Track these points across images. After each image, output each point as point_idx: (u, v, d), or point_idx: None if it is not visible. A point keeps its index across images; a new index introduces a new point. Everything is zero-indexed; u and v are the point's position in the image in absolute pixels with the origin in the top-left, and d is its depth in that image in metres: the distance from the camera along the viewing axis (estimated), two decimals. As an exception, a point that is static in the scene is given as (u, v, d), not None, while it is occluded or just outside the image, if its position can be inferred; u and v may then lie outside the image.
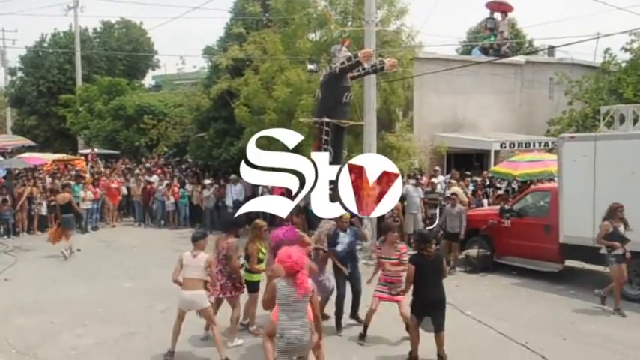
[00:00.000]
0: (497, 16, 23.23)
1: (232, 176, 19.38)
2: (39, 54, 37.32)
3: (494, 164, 19.15)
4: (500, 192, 16.25)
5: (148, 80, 43.28)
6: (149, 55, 40.89)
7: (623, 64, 19.81)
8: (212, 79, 21.01)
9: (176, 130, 25.93)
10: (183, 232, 19.97)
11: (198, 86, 24.49)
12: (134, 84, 35.57)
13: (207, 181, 20.60)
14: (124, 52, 37.74)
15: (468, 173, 18.25)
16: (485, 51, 22.65)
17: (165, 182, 21.75)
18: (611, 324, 9.90)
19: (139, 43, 40.27)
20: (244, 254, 9.17)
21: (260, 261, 9.11)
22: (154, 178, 22.31)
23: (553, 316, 10.26)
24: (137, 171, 23.83)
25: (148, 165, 25.41)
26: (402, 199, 15.58)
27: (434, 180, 16.99)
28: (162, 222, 21.49)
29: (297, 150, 16.28)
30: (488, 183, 17.54)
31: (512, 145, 19.56)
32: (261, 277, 9.20)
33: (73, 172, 23.01)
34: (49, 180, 21.38)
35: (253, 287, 9.24)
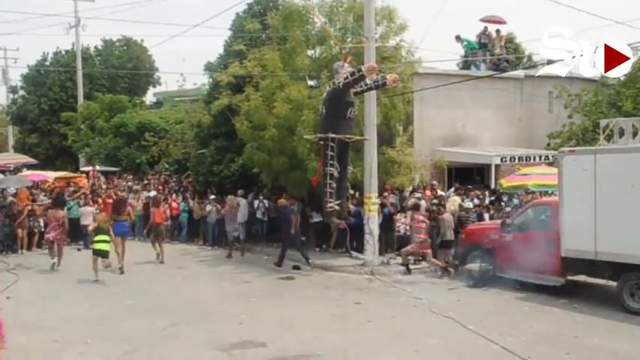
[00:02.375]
0: (492, 31, 23.35)
1: (240, 191, 19.62)
2: (41, 72, 37.49)
3: (495, 178, 19.16)
4: (509, 208, 16.18)
5: (149, 97, 43.40)
6: (150, 72, 41.06)
7: (622, 78, 19.86)
8: (213, 95, 21.12)
9: (177, 146, 25.99)
10: (185, 247, 20.01)
11: (199, 103, 24.59)
12: (135, 101, 35.67)
13: (211, 197, 20.68)
14: (125, 69, 37.90)
15: (469, 187, 18.20)
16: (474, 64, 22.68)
17: (162, 197, 21.84)
18: (614, 338, 9.87)
19: (140, 60, 40.40)
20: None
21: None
22: (153, 194, 22.41)
23: (556, 331, 10.22)
24: (136, 187, 23.93)
25: (145, 181, 25.51)
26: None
27: (442, 193, 17.01)
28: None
29: (301, 166, 16.50)
30: (493, 197, 17.51)
31: (512, 159, 19.58)
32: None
33: (72, 188, 23.07)
34: (42, 197, 21.37)
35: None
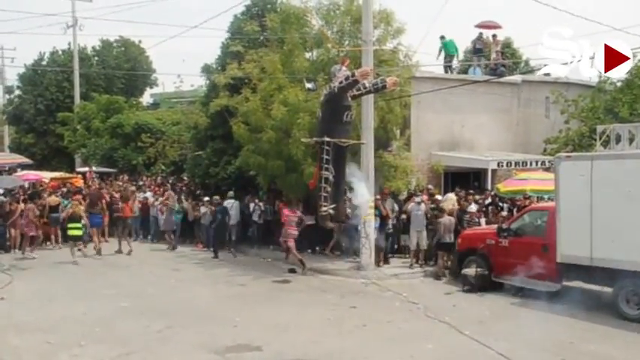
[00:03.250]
0: (489, 36, 23.37)
1: (230, 193, 19.64)
2: (37, 72, 37.40)
3: (492, 183, 19.15)
4: (504, 213, 16.21)
5: (146, 98, 43.37)
6: (147, 73, 41.00)
7: (619, 84, 19.90)
8: (210, 97, 21.08)
9: (174, 148, 25.95)
10: (179, 249, 19.92)
11: (196, 104, 24.56)
12: (132, 102, 35.61)
13: (205, 198, 20.67)
14: (123, 70, 37.85)
15: (471, 192, 18.14)
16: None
17: (160, 198, 21.93)
18: (610, 344, 9.88)
19: (137, 61, 40.37)
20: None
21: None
22: (149, 194, 22.45)
23: (552, 337, 10.21)
24: (131, 188, 23.92)
25: (140, 183, 25.51)
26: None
27: (438, 197, 17.01)
28: (153, 239, 21.76)
29: (297, 169, 16.47)
30: (490, 201, 17.51)
31: (509, 164, 19.57)
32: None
33: (64, 188, 23.06)
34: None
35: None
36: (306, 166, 15.57)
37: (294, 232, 16.57)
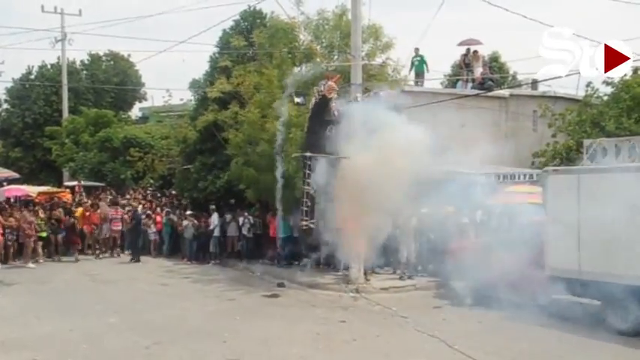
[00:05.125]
0: (471, 53, 23.57)
1: (212, 207, 19.96)
2: (25, 86, 37.24)
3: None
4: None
5: (135, 112, 43.29)
6: (136, 87, 40.94)
7: (605, 98, 20.07)
8: (199, 111, 21.12)
9: (162, 162, 25.94)
10: (168, 264, 19.85)
11: (184, 118, 24.58)
12: (121, 116, 35.54)
13: (188, 212, 20.75)
14: (111, 84, 37.76)
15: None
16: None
17: (147, 212, 21.96)
18: (598, 357, 9.90)
19: (126, 75, 40.34)
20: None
21: None
22: (140, 208, 22.46)
23: (542, 350, 10.22)
24: (123, 202, 23.88)
25: (127, 196, 25.45)
26: None
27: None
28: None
29: (289, 183, 16.45)
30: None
31: (497, 177, 19.63)
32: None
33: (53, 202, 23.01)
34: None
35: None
36: (296, 179, 15.60)
37: (117, 228, 21.31)
